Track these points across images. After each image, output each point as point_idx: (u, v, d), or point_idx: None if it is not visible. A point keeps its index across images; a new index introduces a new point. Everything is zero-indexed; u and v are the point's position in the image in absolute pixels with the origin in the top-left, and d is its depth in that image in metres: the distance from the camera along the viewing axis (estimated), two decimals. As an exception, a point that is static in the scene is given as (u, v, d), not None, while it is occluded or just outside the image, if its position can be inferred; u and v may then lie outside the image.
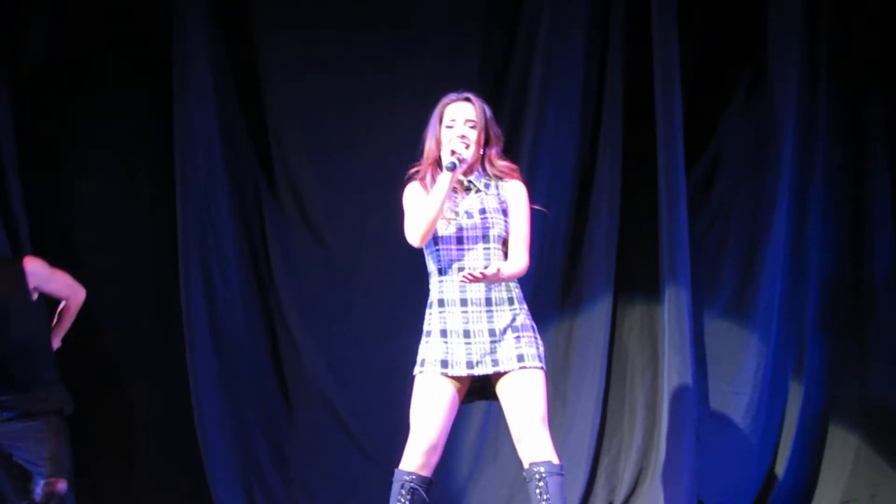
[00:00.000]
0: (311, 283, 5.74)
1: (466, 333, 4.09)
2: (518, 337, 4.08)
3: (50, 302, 4.97)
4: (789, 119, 5.54)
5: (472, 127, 4.20)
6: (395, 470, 4.06)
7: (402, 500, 4.02)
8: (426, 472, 4.07)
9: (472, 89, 4.31)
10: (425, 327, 4.17)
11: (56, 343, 4.97)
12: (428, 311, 4.17)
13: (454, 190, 4.15)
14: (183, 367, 5.56)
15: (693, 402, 5.43)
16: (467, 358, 4.08)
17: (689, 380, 5.41)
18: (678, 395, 5.42)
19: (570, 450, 5.55)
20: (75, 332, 5.08)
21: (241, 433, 5.65)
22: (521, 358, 4.05)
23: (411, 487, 4.03)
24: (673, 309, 5.44)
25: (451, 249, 4.14)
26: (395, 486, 4.05)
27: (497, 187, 4.24)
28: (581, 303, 5.68)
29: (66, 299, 4.98)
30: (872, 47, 5.62)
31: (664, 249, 5.48)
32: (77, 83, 5.68)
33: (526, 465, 4.03)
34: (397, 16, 5.71)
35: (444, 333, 4.11)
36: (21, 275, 4.76)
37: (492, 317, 4.09)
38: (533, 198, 4.26)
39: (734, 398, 5.57)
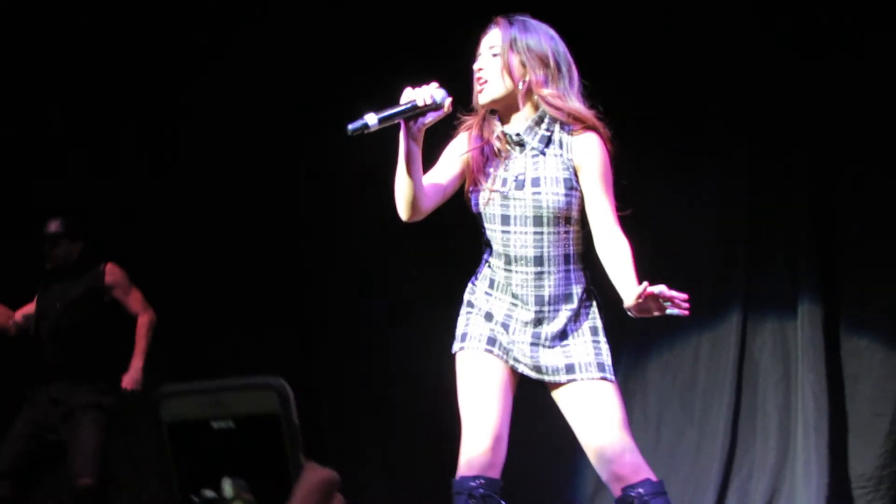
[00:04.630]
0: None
1: (506, 326, 3.25)
2: (568, 344, 3.22)
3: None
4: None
5: (494, 55, 3.18)
6: (454, 480, 3.17)
7: None
8: (494, 473, 3.15)
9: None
10: (467, 296, 3.36)
11: (137, 360, 5.07)
12: (473, 281, 3.36)
13: (497, 151, 3.21)
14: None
15: (828, 423, 5.13)
16: (509, 348, 3.27)
17: (824, 399, 5.14)
18: (813, 415, 5.15)
19: (699, 470, 5.32)
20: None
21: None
22: (573, 368, 3.20)
23: (482, 494, 3.10)
24: (807, 324, 5.19)
25: (495, 230, 3.22)
26: (460, 501, 3.12)
27: (562, 144, 3.18)
28: (709, 317, 5.44)
29: (137, 314, 5.16)
30: None
31: (801, 259, 5.24)
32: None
33: (617, 493, 3.14)
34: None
35: (488, 317, 3.29)
36: (101, 275, 5.14)
37: (542, 317, 3.22)
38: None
39: (874, 420, 5.22)
